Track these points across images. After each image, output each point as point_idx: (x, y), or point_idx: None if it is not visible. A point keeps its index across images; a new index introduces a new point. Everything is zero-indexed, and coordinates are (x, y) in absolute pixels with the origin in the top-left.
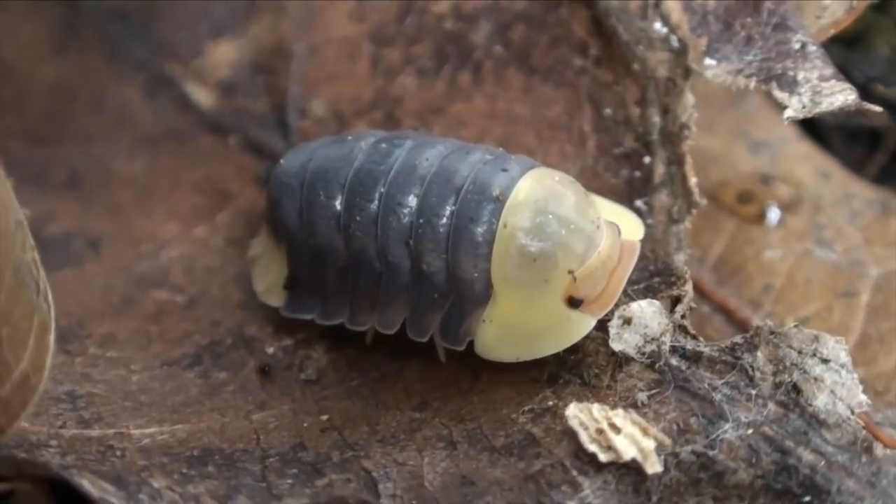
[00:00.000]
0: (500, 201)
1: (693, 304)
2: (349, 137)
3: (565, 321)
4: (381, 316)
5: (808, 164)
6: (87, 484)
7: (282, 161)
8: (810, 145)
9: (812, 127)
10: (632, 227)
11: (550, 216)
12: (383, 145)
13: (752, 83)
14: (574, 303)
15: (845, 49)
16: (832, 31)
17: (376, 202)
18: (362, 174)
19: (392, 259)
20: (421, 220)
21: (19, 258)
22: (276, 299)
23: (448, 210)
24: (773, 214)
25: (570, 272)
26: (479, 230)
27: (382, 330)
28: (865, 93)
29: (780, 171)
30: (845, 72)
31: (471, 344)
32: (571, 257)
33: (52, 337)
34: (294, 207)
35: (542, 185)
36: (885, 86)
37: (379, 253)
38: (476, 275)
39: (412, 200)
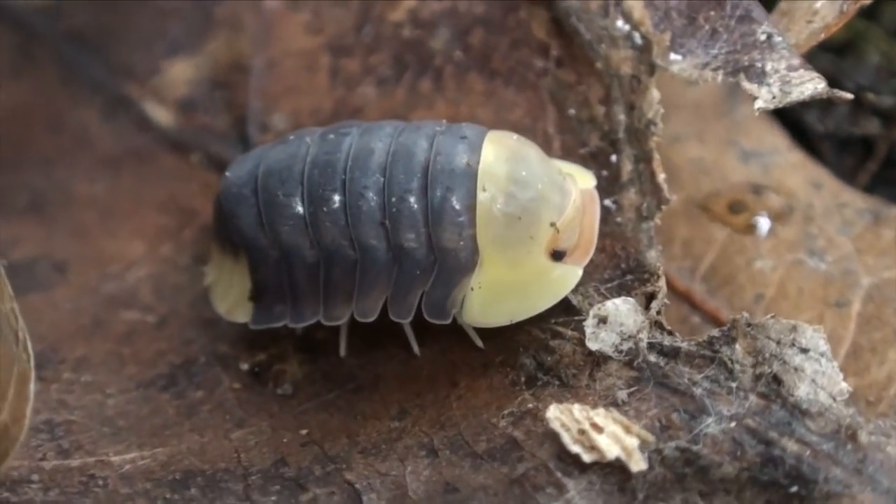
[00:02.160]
0: (471, 167)
1: (666, 301)
2: (291, 137)
3: (553, 275)
4: (359, 303)
5: (799, 174)
6: None
7: (227, 174)
8: (801, 155)
9: (803, 136)
10: (584, 177)
11: (524, 173)
12: (331, 136)
13: (720, 76)
14: (557, 255)
15: (836, 57)
16: (822, 35)
17: (339, 190)
18: (319, 166)
19: (367, 243)
20: (393, 199)
21: None
22: (242, 315)
23: (418, 184)
24: (764, 224)
25: (552, 224)
26: (459, 198)
27: (362, 318)
28: (856, 101)
29: (772, 181)
30: (836, 80)
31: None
32: (552, 209)
33: (32, 387)
34: (251, 215)
35: (505, 147)
36: (876, 94)
37: (352, 240)
38: (462, 243)
39: (378, 181)
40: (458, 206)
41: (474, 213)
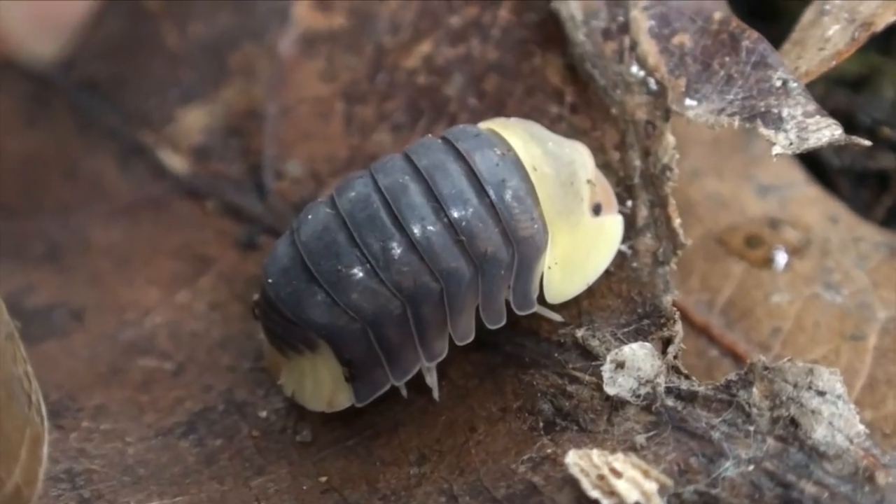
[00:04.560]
0: (509, 155)
1: (683, 346)
2: (308, 217)
3: (605, 228)
4: (456, 329)
5: (815, 208)
6: None
7: (270, 283)
8: (818, 189)
9: (819, 170)
10: None
11: (551, 145)
12: (349, 195)
13: (736, 122)
14: (597, 209)
15: (851, 92)
16: (833, 63)
17: (398, 234)
18: (363, 224)
19: (449, 266)
20: (456, 214)
21: (10, 371)
22: (344, 400)
23: (471, 190)
24: (781, 258)
25: (589, 181)
26: (517, 186)
27: (462, 341)
28: (872, 135)
29: (788, 215)
30: (851, 114)
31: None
32: (585, 168)
33: (45, 449)
34: (320, 305)
35: (520, 129)
36: (892, 128)
37: (432, 272)
38: (536, 226)
39: (431, 207)
40: (521, 193)
41: (535, 193)
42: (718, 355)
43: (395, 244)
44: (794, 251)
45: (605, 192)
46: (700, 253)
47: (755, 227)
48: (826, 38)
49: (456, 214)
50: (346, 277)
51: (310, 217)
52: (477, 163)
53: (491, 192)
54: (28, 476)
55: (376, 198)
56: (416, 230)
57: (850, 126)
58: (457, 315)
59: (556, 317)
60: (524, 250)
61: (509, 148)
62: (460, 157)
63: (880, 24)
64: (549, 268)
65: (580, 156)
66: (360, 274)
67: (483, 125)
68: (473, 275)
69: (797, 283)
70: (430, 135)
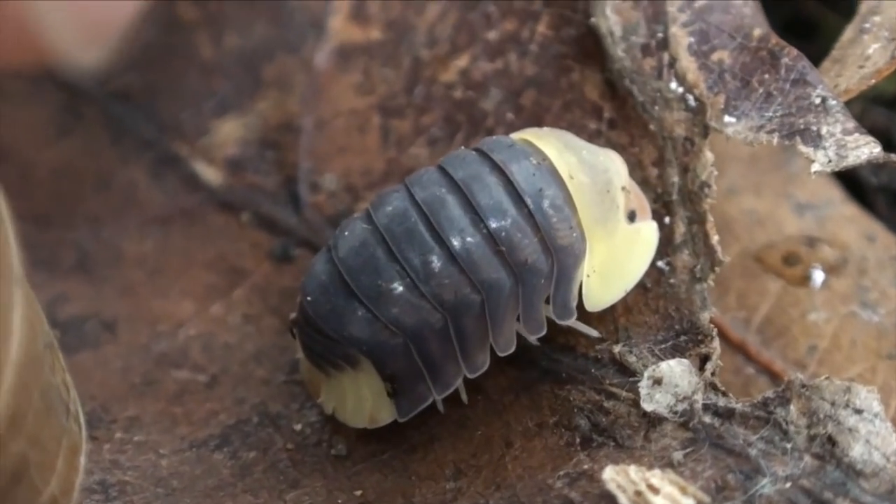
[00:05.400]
0: (544, 164)
1: (720, 363)
2: (346, 233)
3: (641, 234)
4: (497, 340)
5: (852, 227)
6: None
7: (309, 302)
8: (855, 208)
9: (857, 189)
10: None
11: (585, 153)
12: (386, 209)
13: (775, 139)
14: (632, 216)
15: (889, 111)
16: (873, 80)
17: (438, 247)
18: (402, 238)
19: (490, 277)
20: (495, 225)
21: (48, 381)
22: (387, 415)
23: (509, 200)
24: (818, 276)
25: (623, 188)
26: (555, 195)
27: (504, 352)
28: None
29: (826, 234)
30: (888, 133)
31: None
32: (618, 175)
33: (82, 459)
34: (361, 321)
35: (554, 139)
36: None
37: (473, 283)
38: (574, 234)
39: (470, 219)
40: (558, 202)
41: (572, 202)
42: (755, 373)
43: (434, 257)
44: (831, 269)
45: (639, 198)
46: (737, 270)
47: (792, 245)
48: (866, 56)
49: (495, 225)
50: (387, 292)
51: (346, 233)
52: (514, 173)
53: (529, 202)
54: (64, 486)
55: (414, 211)
56: (456, 242)
57: (887, 144)
58: (498, 326)
59: (593, 332)
60: (563, 259)
61: (544, 157)
62: (496, 168)
63: None
64: (588, 276)
65: (613, 163)
66: (401, 288)
67: (516, 136)
68: (514, 285)
69: (834, 301)
70: (462, 147)
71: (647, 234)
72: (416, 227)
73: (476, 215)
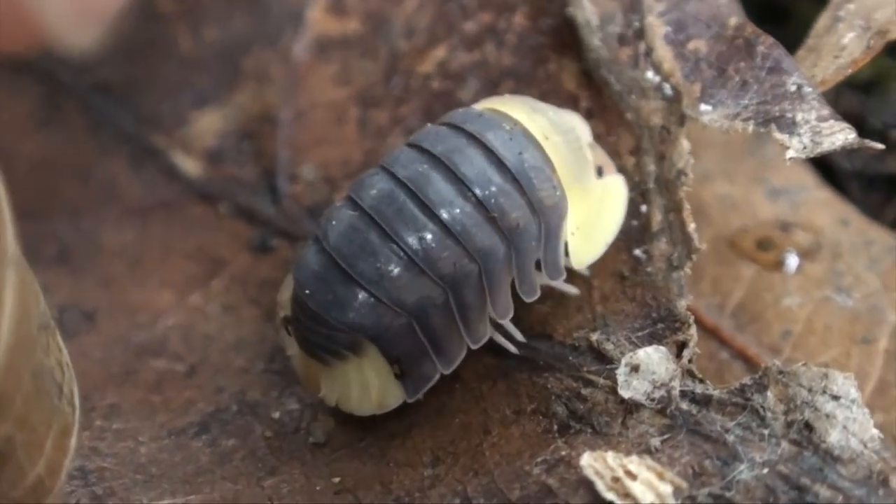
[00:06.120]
0: (517, 128)
1: (697, 350)
2: (333, 222)
3: (611, 188)
4: (496, 307)
5: (826, 211)
6: None
7: (306, 292)
8: (829, 192)
9: (830, 174)
10: None
11: (552, 114)
12: (370, 193)
13: (751, 126)
14: (600, 171)
15: (862, 96)
16: (849, 70)
17: (430, 223)
18: (393, 219)
19: (485, 244)
20: (482, 193)
21: (40, 363)
22: (395, 398)
23: (490, 165)
24: (792, 261)
25: (590, 144)
26: (535, 156)
27: (503, 318)
28: (882, 139)
29: (799, 218)
30: (861, 118)
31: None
32: (585, 132)
33: (73, 441)
34: (364, 307)
35: (519, 103)
36: None
37: (469, 253)
38: (557, 193)
39: (457, 190)
40: (539, 164)
41: (551, 162)
42: (729, 358)
43: (428, 233)
44: (805, 254)
45: (603, 154)
46: (711, 256)
47: (766, 230)
48: (842, 45)
49: (483, 193)
50: (387, 274)
51: (334, 222)
52: (491, 141)
53: (511, 167)
54: (52, 467)
55: (400, 191)
56: (447, 215)
57: (860, 130)
58: (496, 293)
59: (574, 290)
60: (550, 219)
61: (515, 122)
62: (473, 139)
63: (895, 32)
64: (572, 234)
65: (578, 122)
66: (400, 268)
67: (480, 106)
68: (507, 250)
69: (808, 286)
70: (429, 125)
71: (617, 187)
72: (405, 205)
73: (463, 186)
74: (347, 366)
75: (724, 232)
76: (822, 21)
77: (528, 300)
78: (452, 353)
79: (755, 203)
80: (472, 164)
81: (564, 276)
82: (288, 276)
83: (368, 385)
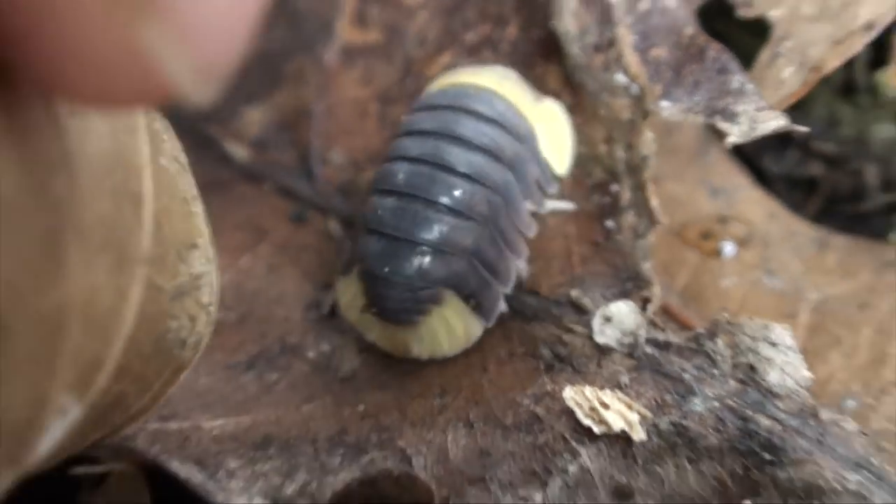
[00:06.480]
0: (485, 91)
1: (659, 304)
2: (378, 211)
3: (552, 109)
4: (521, 225)
5: (758, 207)
6: (177, 464)
7: (386, 270)
8: (760, 191)
9: (761, 176)
10: None
11: (498, 69)
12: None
13: (701, 118)
14: (538, 98)
15: (789, 111)
16: (791, 101)
17: (456, 177)
18: (426, 186)
19: (501, 178)
20: (486, 141)
21: (165, 328)
22: (478, 328)
23: (480, 122)
24: (729, 249)
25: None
26: (502, 102)
27: (529, 232)
28: (804, 148)
29: (735, 213)
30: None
31: None
32: (517, 76)
33: (183, 375)
34: (434, 263)
35: (477, 72)
36: (821, 141)
37: (492, 188)
38: (527, 124)
39: (461, 149)
40: (507, 107)
41: (516, 105)
42: (677, 329)
43: (458, 188)
44: (740, 243)
45: (534, 90)
46: (661, 244)
47: (708, 223)
48: (781, 79)
49: (487, 141)
50: (442, 230)
51: (379, 211)
52: (468, 104)
53: (497, 119)
54: (157, 396)
55: (423, 166)
56: (467, 168)
57: (786, 140)
58: (519, 214)
59: (569, 205)
60: (531, 145)
61: (480, 86)
62: (459, 110)
63: (828, 67)
64: (548, 151)
65: (509, 70)
66: (452, 221)
67: (446, 83)
68: (514, 178)
69: (742, 270)
70: (403, 115)
71: (555, 106)
72: (433, 174)
73: (466, 143)
74: (431, 318)
75: (672, 224)
76: (764, 56)
77: (541, 212)
78: (508, 274)
79: (699, 200)
80: (468, 126)
81: (558, 185)
82: (339, 282)
83: (454, 326)
